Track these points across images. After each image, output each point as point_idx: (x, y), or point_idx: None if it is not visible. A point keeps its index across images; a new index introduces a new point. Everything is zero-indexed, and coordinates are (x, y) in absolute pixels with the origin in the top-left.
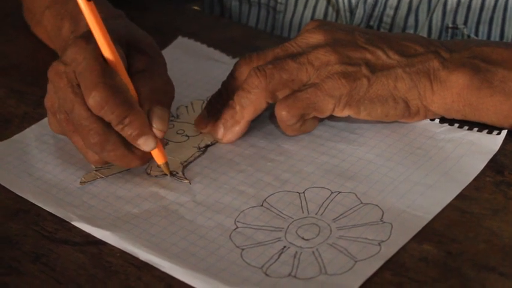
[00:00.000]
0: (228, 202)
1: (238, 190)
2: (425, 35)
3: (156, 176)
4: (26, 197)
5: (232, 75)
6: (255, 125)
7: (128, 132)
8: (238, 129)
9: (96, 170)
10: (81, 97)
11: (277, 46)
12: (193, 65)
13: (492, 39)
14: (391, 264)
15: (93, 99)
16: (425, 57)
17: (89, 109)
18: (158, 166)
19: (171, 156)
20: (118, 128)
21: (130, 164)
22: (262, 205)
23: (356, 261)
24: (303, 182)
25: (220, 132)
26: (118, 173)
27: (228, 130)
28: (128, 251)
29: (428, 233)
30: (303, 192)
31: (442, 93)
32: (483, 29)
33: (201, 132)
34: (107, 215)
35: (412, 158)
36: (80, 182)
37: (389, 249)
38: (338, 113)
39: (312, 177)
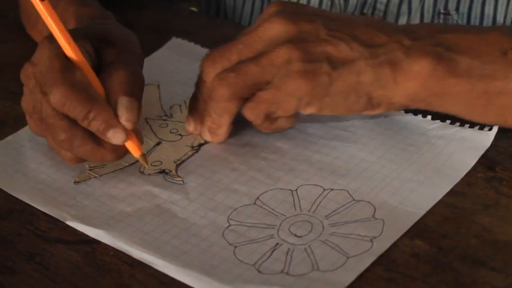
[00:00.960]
0: (221, 200)
1: (231, 188)
2: (417, 21)
3: (149, 175)
4: (20, 197)
5: (200, 78)
6: (248, 123)
7: (94, 127)
8: (223, 130)
9: (89, 170)
10: (47, 95)
11: (239, 37)
12: (187, 65)
13: (485, 24)
14: (383, 260)
15: (54, 96)
16: (388, 47)
17: (54, 108)
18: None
19: (164, 155)
20: (84, 124)
21: (105, 158)
22: (255, 203)
23: (348, 258)
24: (296, 180)
25: (208, 136)
26: (111, 173)
27: (214, 134)
28: (121, 250)
29: (420, 229)
30: (296, 189)
31: (405, 83)
32: (475, 14)
33: None
34: (101, 214)
35: (404, 155)
36: (74, 182)
37: (381, 245)
38: (302, 111)
39: (305, 175)
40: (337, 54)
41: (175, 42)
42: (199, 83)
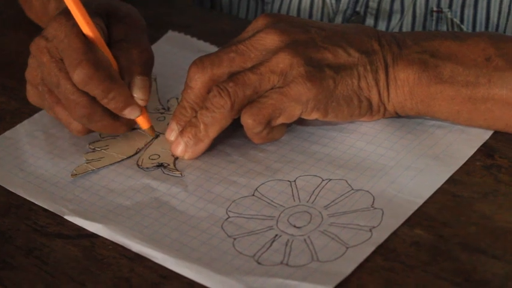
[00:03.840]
0: (220, 192)
1: (229, 180)
2: (410, 19)
3: (147, 168)
4: (18, 193)
5: (188, 85)
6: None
7: (113, 106)
8: (201, 147)
9: (87, 163)
10: (66, 72)
11: (229, 46)
12: (184, 58)
13: (478, 22)
14: (383, 249)
15: (78, 75)
16: (380, 54)
17: (74, 84)
18: (143, 131)
19: (162, 148)
20: (104, 102)
21: (118, 130)
22: (253, 194)
23: (348, 248)
24: (294, 171)
25: (180, 150)
26: (109, 166)
27: (190, 148)
28: (120, 243)
29: (419, 217)
30: (294, 180)
31: (395, 91)
32: (468, 12)
33: None
34: (99, 208)
35: (402, 142)
36: (71, 175)
37: (381, 235)
38: (305, 117)
39: (303, 166)
40: (336, 60)
41: (172, 35)
42: (186, 88)
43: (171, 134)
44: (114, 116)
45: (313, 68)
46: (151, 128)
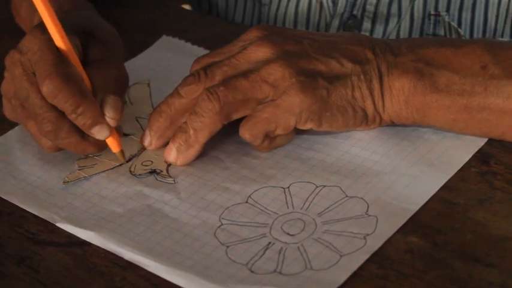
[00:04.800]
0: (213, 199)
1: (222, 187)
2: (407, 22)
3: (140, 175)
4: (9, 200)
5: (178, 93)
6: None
7: (81, 122)
8: (192, 152)
9: (79, 169)
10: (36, 86)
11: (223, 60)
12: (178, 63)
13: (475, 26)
14: (377, 257)
15: (47, 87)
16: (375, 63)
17: (43, 98)
18: (114, 153)
19: (155, 155)
20: (72, 117)
21: (86, 150)
22: (247, 201)
23: (341, 256)
24: (288, 178)
25: (173, 156)
26: (102, 173)
27: (182, 154)
28: (112, 251)
29: (414, 224)
30: (288, 187)
31: (391, 100)
32: (466, 15)
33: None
34: (91, 216)
35: (397, 149)
36: (63, 182)
37: (375, 242)
38: (300, 127)
39: (297, 173)
40: (329, 71)
41: (165, 40)
42: (175, 96)
43: (145, 139)
44: (83, 135)
45: (306, 79)
46: (122, 152)
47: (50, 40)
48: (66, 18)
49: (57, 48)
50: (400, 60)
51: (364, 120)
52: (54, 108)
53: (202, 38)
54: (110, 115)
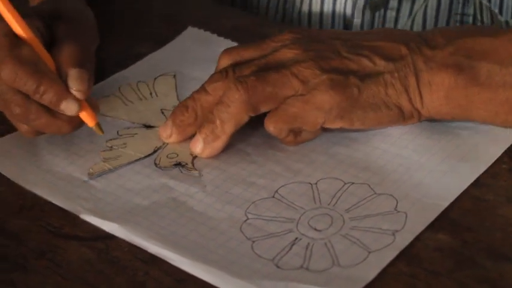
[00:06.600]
0: (239, 193)
1: (248, 181)
2: (435, 2)
3: (165, 167)
4: (33, 190)
5: (205, 90)
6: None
7: (47, 100)
8: (219, 144)
9: (104, 161)
10: None
11: (253, 57)
12: (204, 54)
13: (505, 3)
14: (405, 254)
15: (4, 72)
16: (409, 59)
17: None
18: (92, 128)
19: (180, 147)
20: (36, 98)
21: (62, 130)
22: (273, 196)
23: (370, 252)
24: (315, 173)
25: (199, 147)
26: (127, 164)
27: (208, 145)
28: (136, 244)
29: (443, 221)
30: (316, 183)
31: (430, 96)
32: None
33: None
34: (116, 208)
35: (426, 144)
36: (88, 174)
37: (404, 239)
38: (329, 125)
39: (325, 168)
40: (362, 69)
41: (191, 31)
42: (201, 92)
43: (166, 130)
44: (53, 114)
45: (337, 76)
46: (98, 125)
47: (6, 26)
48: (30, 5)
49: (13, 33)
50: (438, 54)
51: (401, 117)
52: (19, 91)
53: (225, 29)
54: (75, 87)
